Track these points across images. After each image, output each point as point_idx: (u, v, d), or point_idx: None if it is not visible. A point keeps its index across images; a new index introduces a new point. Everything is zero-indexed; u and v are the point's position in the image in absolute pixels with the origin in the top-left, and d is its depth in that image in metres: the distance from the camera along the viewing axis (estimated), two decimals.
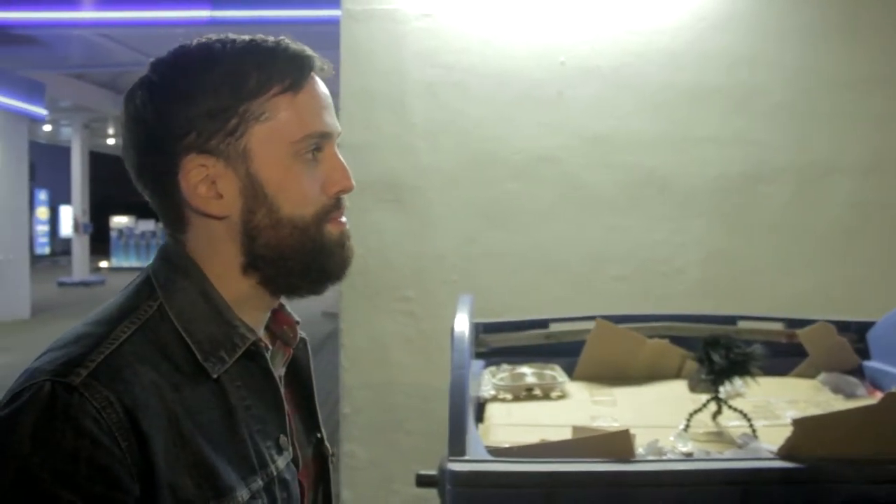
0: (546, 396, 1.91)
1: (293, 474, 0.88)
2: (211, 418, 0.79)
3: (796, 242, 2.92)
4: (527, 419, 1.75)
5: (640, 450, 1.45)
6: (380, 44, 2.96)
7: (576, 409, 1.82)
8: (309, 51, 0.84)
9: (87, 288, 15.48)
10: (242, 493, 0.79)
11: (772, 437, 1.51)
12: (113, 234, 21.01)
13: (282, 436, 0.87)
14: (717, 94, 2.93)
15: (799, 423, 1.32)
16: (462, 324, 1.69)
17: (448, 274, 2.94)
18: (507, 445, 1.48)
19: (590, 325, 2.07)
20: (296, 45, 0.84)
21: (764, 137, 2.93)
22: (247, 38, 0.83)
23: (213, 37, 0.83)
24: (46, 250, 22.17)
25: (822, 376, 2.00)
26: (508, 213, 2.97)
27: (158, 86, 0.81)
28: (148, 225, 20.49)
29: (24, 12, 9.00)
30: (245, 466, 0.81)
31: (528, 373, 1.96)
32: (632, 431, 1.42)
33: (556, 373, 1.99)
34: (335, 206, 0.85)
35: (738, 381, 1.70)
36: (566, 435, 1.51)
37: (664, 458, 1.42)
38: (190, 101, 0.80)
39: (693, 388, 1.85)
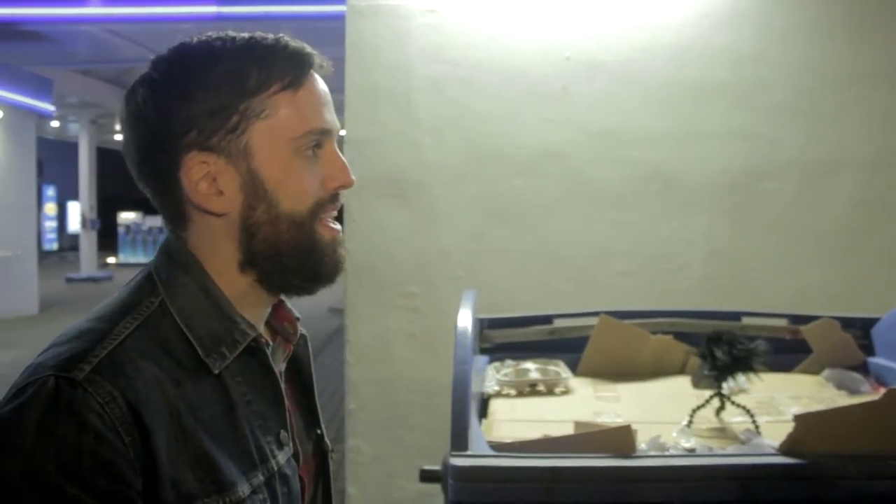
0: (550, 392, 1.91)
1: (294, 469, 0.89)
2: (212, 413, 0.80)
3: (800, 239, 2.91)
4: (530, 415, 1.75)
5: (642, 445, 1.46)
6: (385, 40, 2.96)
7: (579, 404, 1.82)
8: (308, 48, 0.85)
9: (94, 283, 15.55)
10: (244, 488, 0.80)
11: (775, 433, 1.51)
12: (120, 229, 21.08)
13: (282, 431, 0.88)
14: (721, 90, 2.93)
15: (800, 419, 1.32)
16: (465, 319, 1.70)
17: (453, 270, 2.95)
18: (509, 441, 1.49)
19: (593, 320, 2.07)
20: (295, 43, 0.84)
21: (768, 134, 2.92)
22: (247, 35, 0.84)
23: (214, 35, 0.84)
24: (54, 246, 22.27)
25: (826, 372, 2.00)
26: (513, 209, 2.97)
27: (160, 84, 0.82)
28: (155, 221, 20.52)
29: (31, 8, 9.03)
30: (246, 461, 0.82)
31: (531, 368, 1.97)
32: (635, 427, 1.42)
33: (559, 368, 1.99)
34: (330, 200, 0.86)
35: (741, 377, 1.70)
36: (569, 430, 1.52)
37: (665, 453, 1.42)
38: (191, 99, 0.80)
39: (696, 384, 1.86)
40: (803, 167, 2.91)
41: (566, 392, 1.92)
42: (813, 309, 2.22)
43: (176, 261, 0.85)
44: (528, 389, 1.90)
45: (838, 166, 2.90)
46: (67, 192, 21.35)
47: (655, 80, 2.93)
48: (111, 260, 20.23)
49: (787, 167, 2.91)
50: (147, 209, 20.71)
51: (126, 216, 21.15)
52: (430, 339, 2.91)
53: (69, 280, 16.09)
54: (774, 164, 2.92)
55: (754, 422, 1.61)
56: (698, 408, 1.64)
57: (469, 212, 2.97)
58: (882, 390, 1.86)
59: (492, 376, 1.95)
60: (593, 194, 2.95)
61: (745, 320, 2.14)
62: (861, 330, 2.09)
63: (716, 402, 1.67)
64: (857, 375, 1.95)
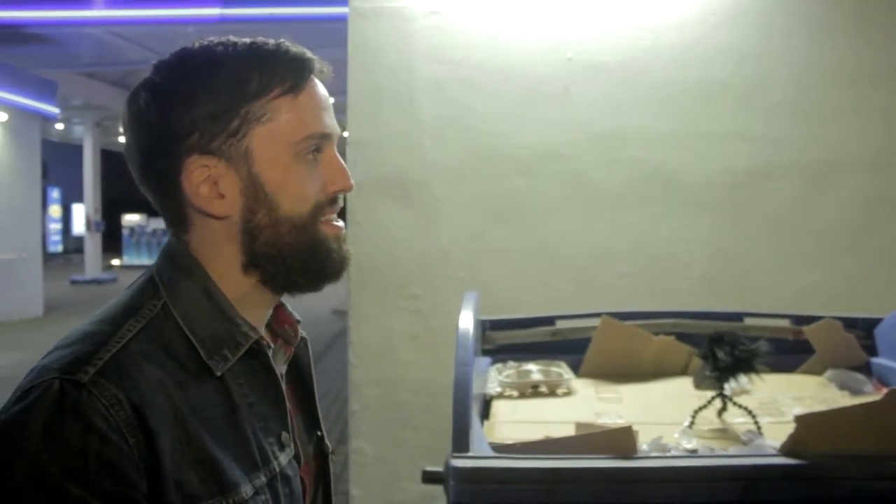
0: (552, 393, 1.91)
1: (295, 470, 0.90)
2: (215, 415, 0.81)
3: (802, 239, 2.91)
4: (532, 416, 1.75)
5: (643, 446, 1.46)
6: (388, 41, 2.97)
7: (581, 405, 1.82)
8: (309, 53, 0.86)
9: (99, 286, 15.60)
10: (246, 489, 0.81)
11: (777, 434, 1.50)
12: (125, 231, 21.16)
13: (284, 433, 0.88)
14: (723, 90, 2.92)
15: (801, 420, 1.32)
16: (466, 321, 1.70)
17: (455, 270, 2.95)
18: (510, 442, 1.49)
19: (596, 322, 2.07)
20: (296, 48, 0.85)
21: (770, 134, 2.92)
22: (248, 41, 0.85)
23: (215, 40, 0.85)
24: (59, 248, 22.34)
25: (829, 373, 1.99)
26: (515, 210, 2.97)
27: (162, 87, 0.83)
28: (159, 223, 20.47)
29: (36, 11, 9.06)
30: (248, 462, 0.82)
31: (534, 370, 1.97)
32: (637, 428, 1.42)
33: (562, 370, 1.99)
34: (329, 203, 0.86)
35: (743, 378, 1.70)
36: (571, 432, 1.52)
37: (667, 454, 1.42)
38: (193, 103, 0.81)
39: (698, 385, 1.85)
40: (805, 167, 2.90)
41: (568, 393, 1.92)
42: (815, 309, 2.21)
43: (178, 264, 0.85)
44: (531, 391, 1.91)
45: (840, 166, 2.89)
46: (72, 195, 21.43)
47: (656, 81, 2.93)
48: (115, 262, 20.29)
49: (789, 167, 2.91)
50: (151, 211, 20.70)
51: (130, 218, 21.22)
52: (432, 340, 2.91)
53: (74, 282, 16.15)
54: (776, 164, 2.91)
55: (756, 423, 1.61)
56: (700, 409, 1.64)
57: (471, 212, 2.97)
58: (884, 391, 1.85)
59: (494, 378, 1.95)
60: (595, 195, 2.95)
61: (748, 321, 2.14)
62: (864, 330, 2.09)
63: (718, 403, 1.67)
64: (859, 376, 1.95)
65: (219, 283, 0.85)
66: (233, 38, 0.85)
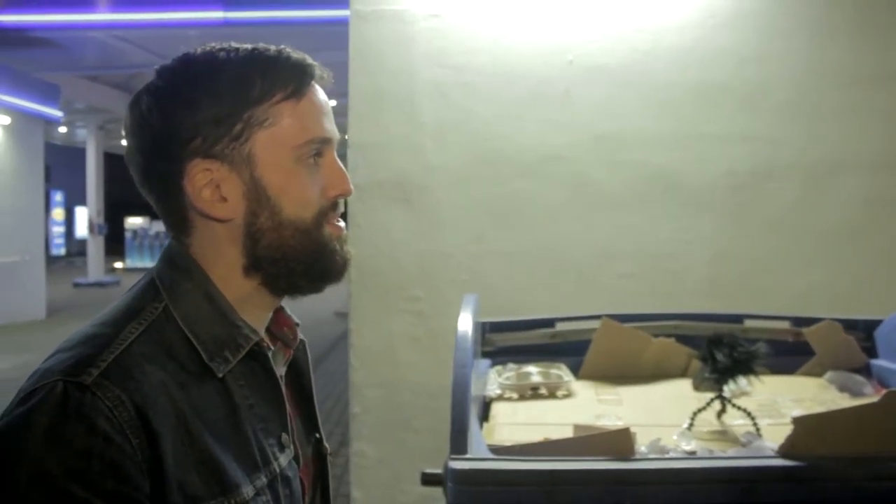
0: (552, 395, 1.91)
1: (295, 471, 0.90)
2: (216, 417, 0.81)
3: (804, 240, 2.91)
4: (532, 418, 1.76)
5: (642, 448, 1.46)
6: (388, 44, 2.97)
7: (581, 408, 1.82)
8: (310, 59, 0.87)
9: (102, 288, 15.62)
10: (248, 490, 0.81)
11: (776, 436, 1.50)
12: (127, 234, 21.19)
13: (284, 434, 0.89)
14: (724, 91, 2.93)
15: (799, 421, 1.32)
16: (465, 323, 1.70)
17: (456, 273, 2.95)
18: (509, 444, 1.49)
19: (596, 324, 2.07)
20: (297, 55, 0.86)
21: (771, 135, 2.92)
22: (249, 47, 0.86)
23: (217, 46, 0.86)
24: (62, 251, 22.39)
25: (829, 375, 1.99)
26: (517, 212, 2.97)
27: (164, 92, 0.84)
28: (162, 226, 20.47)
29: (39, 15, 9.09)
30: (249, 463, 0.83)
31: (533, 372, 1.97)
32: (636, 430, 1.42)
33: (561, 372, 1.99)
34: (332, 208, 0.88)
35: (743, 380, 1.70)
36: (570, 434, 1.52)
37: (665, 456, 1.42)
38: (196, 107, 0.82)
39: (697, 387, 1.86)
40: (806, 168, 2.90)
41: (568, 395, 1.92)
42: (816, 310, 2.21)
43: (178, 266, 0.86)
44: (530, 393, 1.91)
45: (840, 167, 2.89)
46: (75, 198, 21.47)
47: (657, 83, 2.94)
48: (118, 265, 20.32)
49: (790, 168, 2.91)
50: (154, 214, 20.64)
51: (133, 221, 21.25)
52: (433, 342, 2.91)
53: (76, 285, 16.18)
54: (777, 165, 2.91)
55: (755, 424, 1.61)
56: (699, 411, 1.64)
57: (472, 215, 2.97)
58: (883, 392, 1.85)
59: (494, 380, 1.96)
60: (596, 197, 2.96)
61: (748, 323, 2.14)
62: (864, 332, 2.09)
63: (717, 405, 1.67)
64: (859, 378, 1.95)
65: (220, 286, 0.85)
66: (234, 44, 0.86)
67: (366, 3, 2.97)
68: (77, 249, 22.48)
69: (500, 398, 1.89)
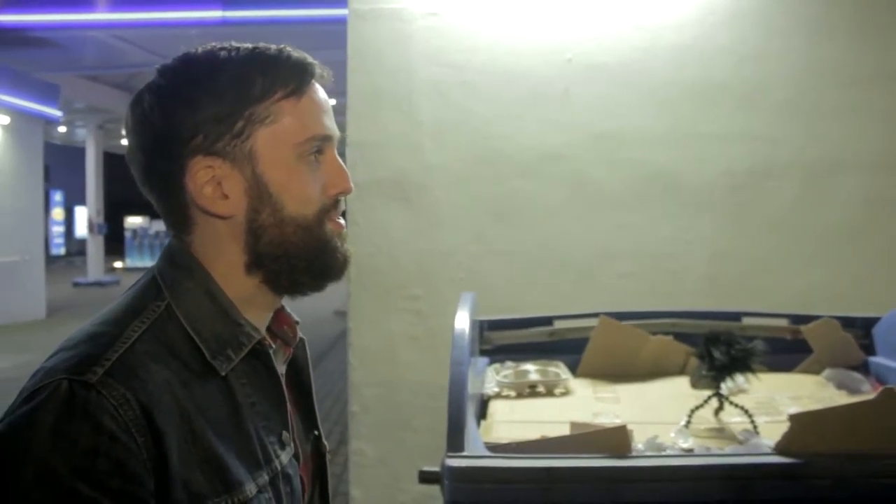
0: (549, 393, 1.91)
1: (295, 469, 0.91)
2: (219, 415, 0.82)
3: (803, 239, 2.91)
4: (529, 416, 1.76)
5: (639, 446, 1.46)
6: (387, 43, 2.97)
7: (579, 405, 1.82)
8: (310, 58, 0.88)
9: (101, 288, 15.62)
10: (250, 488, 0.82)
11: (774, 433, 1.50)
12: (127, 234, 21.19)
13: (284, 432, 0.89)
14: (723, 90, 2.92)
15: (796, 419, 1.32)
16: (462, 321, 1.70)
17: (455, 272, 2.95)
18: (506, 442, 1.49)
19: (593, 322, 2.07)
20: (297, 53, 0.87)
21: (770, 134, 2.92)
22: (250, 46, 0.87)
23: (218, 45, 0.87)
24: (62, 251, 22.40)
25: (827, 372, 1.99)
26: (515, 211, 2.97)
27: (166, 90, 0.84)
28: (162, 225, 20.34)
29: (38, 15, 9.09)
30: (252, 461, 0.83)
31: (531, 370, 1.97)
32: (634, 428, 1.42)
33: (559, 370, 1.99)
34: (333, 206, 0.88)
35: (741, 378, 1.70)
36: (567, 431, 1.52)
37: (661, 453, 1.42)
38: (197, 105, 0.83)
39: (695, 385, 1.86)
40: (805, 167, 2.90)
41: (566, 393, 1.92)
42: (816, 309, 2.21)
43: (180, 265, 0.86)
44: (528, 391, 1.91)
45: (841, 165, 2.89)
46: (75, 197, 21.47)
47: (656, 81, 2.94)
48: (118, 264, 20.32)
49: (789, 167, 2.91)
50: (154, 214, 20.68)
51: (133, 221, 21.26)
52: (432, 341, 2.91)
53: (76, 284, 16.18)
54: (776, 164, 2.91)
55: (753, 422, 1.61)
56: (696, 408, 1.64)
57: (471, 214, 2.97)
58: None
59: (491, 378, 1.96)
60: (595, 196, 2.96)
61: (746, 320, 2.14)
62: (862, 329, 2.09)
63: (714, 403, 1.67)
64: (857, 375, 1.95)
65: (221, 284, 0.86)
66: (235, 44, 0.86)
67: (364, 1, 2.97)
68: (77, 249, 22.48)
69: (497, 396, 1.89)
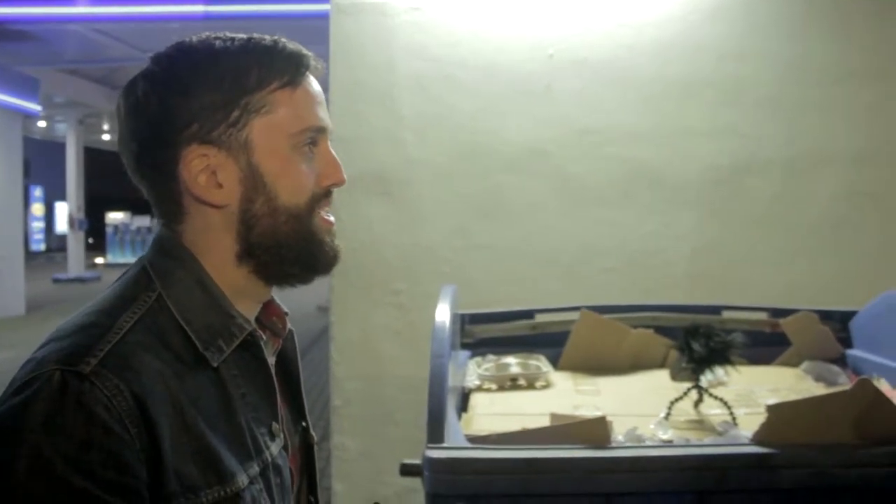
0: (530, 386, 1.92)
1: (285, 460, 0.91)
2: (211, 406, 0.81)
3: (786, 234, 2.93)
4: (510, 408, 1.76)
5: (619, 437, 1.47)
6: (369, 37, 2.97)
7: (559, 398, 1.83)
8: (305, 50, 0.88)
9: (82, 284, 15.49)
10: (242, 479, 0.82)
11: (752, 425, 1.51)
12: (108, 230, 21.00)
13: (274, 423, 0.89)
14: (706, 86, 2.94)
15: (773, 410, 1.33)
16: (443, 314, 1.71)
17: (438, 266, 2.95)
18: (487, 433, 1.49)
19: (575, 315, 2.08)
20: (293, 45, 0.87)
21: (753, 129, 2.94)
22: (246, 36, 0.87)
23: (213, 35, 0.87)
24: (42, 247, 22.18)
25: (805, 365, 2.01)
26: (498, 206, 2.98)
27: (162, 78, 0.84)
28: (143, 221, 20.48)
29: (18, 7, 8.98)
30: (243, 452, 0.83)
31: (512, 363, 1.97)
32: (614, 420, 1.43)
33: (540, 363, 2.00)
34: (325, 196, 0.88)
35: (720, 370, 1.71)
36: (547, 423, 1.52)
37: (640, 444, 1.43)
38: (193, 93, 0.82)
39: (674, 377, 1.86)
40: (788, 162, 2.93)
41: (547, 386, 1.92)
42: (800, 303, 2.23)
43: (171, 255, 0.86)
44: (509, 384, 1.91)
45: (823, 160, 2.92)
46: (55, 193, 21.26)
47: (640, 77, 2.95)
48: (99, 260, 20.15)
49: (771, 163, 2.93)
50: (135, 209, 20.66)
51: (114, 216, 21.08)
52: (415, 335, 2.91)
53: (56, 280, 16.02)
54: (759, 159, 2.94)
55: (732, 413, 1.62)
56: (676, 400, 1.66)
57: (454, 209, 2.97)
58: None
59: (473, 371, 1.96)
60: (578, 191, 2.97)
61: (726, 314, 2.16)
62: (840, 323, 2.11)
63: (694, 395, 1.68)
64: (835, 367, 1.97)
65: (212, 274, 0.85)
66: (230, 34, 0.86)
67: None
68: (57, 245, 22.27)
69: (479, 389, 1.89)
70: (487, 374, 1.93)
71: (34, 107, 12.20)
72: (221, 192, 0.83)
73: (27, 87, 11.82)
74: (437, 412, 1.37)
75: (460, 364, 1.96)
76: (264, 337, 0.91)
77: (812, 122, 2.92)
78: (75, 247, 16.39)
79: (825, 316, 2.10)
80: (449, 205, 2.97)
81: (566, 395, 1.86)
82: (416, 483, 1.47)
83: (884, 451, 1.29)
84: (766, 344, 2.06)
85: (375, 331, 2.97)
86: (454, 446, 1.33)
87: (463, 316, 2.11)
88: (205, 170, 0.83)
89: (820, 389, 1.87)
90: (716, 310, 2.18)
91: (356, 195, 2.93)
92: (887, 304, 1.97)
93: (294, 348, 1.01)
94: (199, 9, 8.23)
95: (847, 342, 2.08)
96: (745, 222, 2.95)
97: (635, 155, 2.95)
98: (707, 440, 1.50)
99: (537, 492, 1.27)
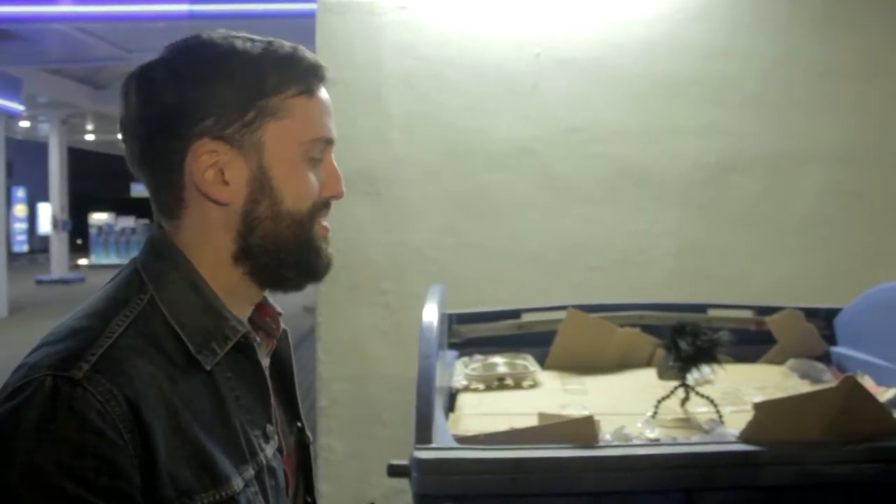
0: (518, 386, 1.92)
1: (279, 462, 0.90)
2: (204, 409, 0.81)
3: (772, 232, 2.95)
4: (497, 408, 1.76)
5: (606, 436, 1.47)
6: (356, 36, 2.96)
7: (547, 397, 1.83)
8: (321, 61, 0.88)
9: (65, 285, 15.34)
10: (237, 482, 0.81)
11: (739, 423, 1.52)
12: (92, 231, 20.82)
13: (268, 425, 0.89)
14: (692, 84, 2.95)
15: (760, 407, 1.34)
16: (430, 314, 1.70)
17: (426, 266, 2.95)
18: (474, 433, 1.49)
19: (562, 314, 2.08)
20: (311, 55, 0.87)
21: (739, 127, 2.95)
22: (266, 40, 0.87)
23: (233, 33, 0.86)
24: (24, 248, 21.96)
25: (791, 362, 2.03)
26: (486, 205, 2.98)
27: (181, 68, 0.83)
28: (128, 222, 20.33)
29: (0, 6, 8.89)
30: (237, 455, 0.82)
31: (500, 363, 1.97)
32: (601, 419, 1.43)
33: (527, 362, 2.00)
34: (325, 206, 0.89)
35: (706, 368, 1.72)
36: (534, 423, 1.52)
37: (627, 443, 1.43)
38: (213, 88, 0.82)
39: (661, 376, 1.87)
40: (774, 160, 2.95)
41: (534, 386, 1.92)
42: (786, 300, 2.24)
43: (163, 256, 0.85)
44: (497, 383, 1.91)
45: (809, 158, 2.94)
46: (38, 194, 21.05)
47: (626, 76, 2.96)
48: (83, 261, 19.98)
49: (758, 161, 2.95)
50: (119, 210, 20.51)
51: (98, 217, 20.89)
52: (402, 335, 2.90)
53: (39, 282, 15.87)
54: (745, 157, 2.95)
55: (718, 412, 1.63)
56: (663, 399, 1.66)
57: (441, 208, 2.97)
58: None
59: (460, 371, 1.96)
60: (565, 190, 2.97)
61: (712, 312, 2.17)
62: (824, 320, 2.13)
63: (681, 393, 1.68)
64: (820, 365, 1.98)
65: (206, 275, 0.85)
66: (247, 35, 0.86)
67: None
68: (40, 246, 22.06)
69: (466, 389, 1.89)
70: (475, 373, 1.93)
71: (17, 107, 12.07)
72: (227, 190, 0.83)
73: (10, 86, 11.70)
74: (424, 412, 1.37)
75: (448, 364, 1.95)
76: (258, 338, 0.90)
77: (798, 120, 2.94)
78: (59, 248, 16.24)
79: (810, 313, 2.11)
80: (436, 204, 2.97)
81: (553, 394, 1.86)
82: (403, 484, 1.46)
83: (869, 448, 1.30)
84: (751, 342, 2.07)
85: (362, 331, 2.96)
86: (442, 447, 1.32)
87: (450, 316, 2.11)
88: (213, 165, 0.82)
89: (805, 387, 1.88)
90: (702, 308, 2.18)
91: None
92: (871, 302, 1.99)
93: (288, 348, 1.00)
94: (183, 8, 8.17)
95: (832, 339, 2.09)
96: (732, 220, 2.96)
97: (622, 153, 2.96)
98: (694, 438, 1.50)
99: (525, 492, 1.27)
